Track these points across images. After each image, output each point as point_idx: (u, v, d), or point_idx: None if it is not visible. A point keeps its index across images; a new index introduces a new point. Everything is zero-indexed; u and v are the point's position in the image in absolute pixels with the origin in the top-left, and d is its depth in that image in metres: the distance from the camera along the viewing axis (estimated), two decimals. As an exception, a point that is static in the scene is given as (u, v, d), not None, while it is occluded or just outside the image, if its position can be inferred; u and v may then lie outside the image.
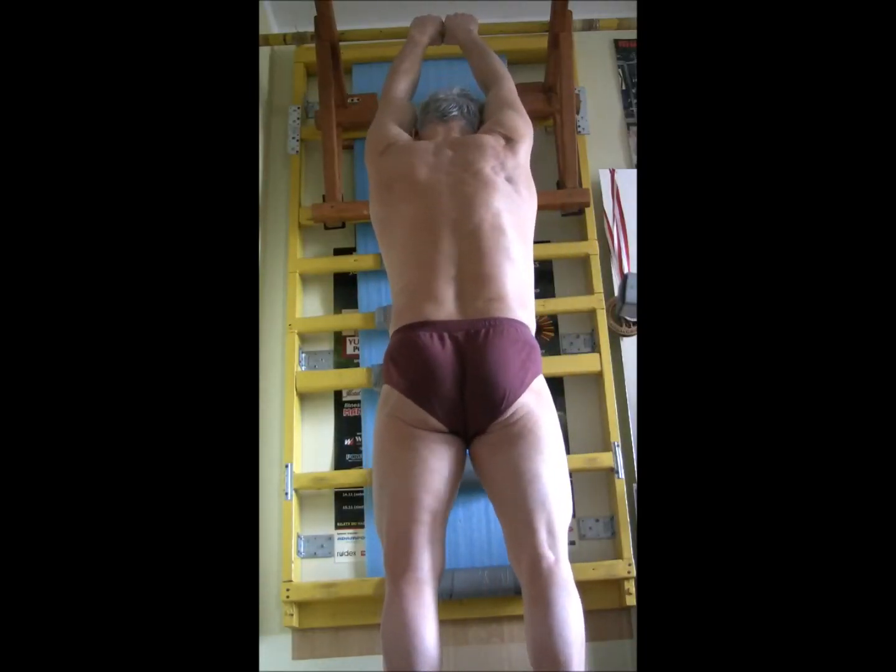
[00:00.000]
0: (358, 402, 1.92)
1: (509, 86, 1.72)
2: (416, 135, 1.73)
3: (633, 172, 2.04)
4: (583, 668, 1.16)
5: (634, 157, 2.13)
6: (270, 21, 2.30)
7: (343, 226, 2.05)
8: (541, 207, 1.91)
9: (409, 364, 1.33)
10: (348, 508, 1.83)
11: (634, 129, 2.18)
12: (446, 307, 1.36)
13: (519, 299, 1.38)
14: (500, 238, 1.41)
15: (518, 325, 1.36)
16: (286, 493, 1.77)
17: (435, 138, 1.62)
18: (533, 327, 1.41)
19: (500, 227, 1.42)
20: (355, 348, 1.97)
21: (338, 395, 1.94)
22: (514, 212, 1.47)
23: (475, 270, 1.38)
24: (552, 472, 1.29)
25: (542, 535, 1.23)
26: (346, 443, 1.89)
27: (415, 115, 1.76)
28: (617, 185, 2.04)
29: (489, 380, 1.29)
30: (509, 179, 1.51)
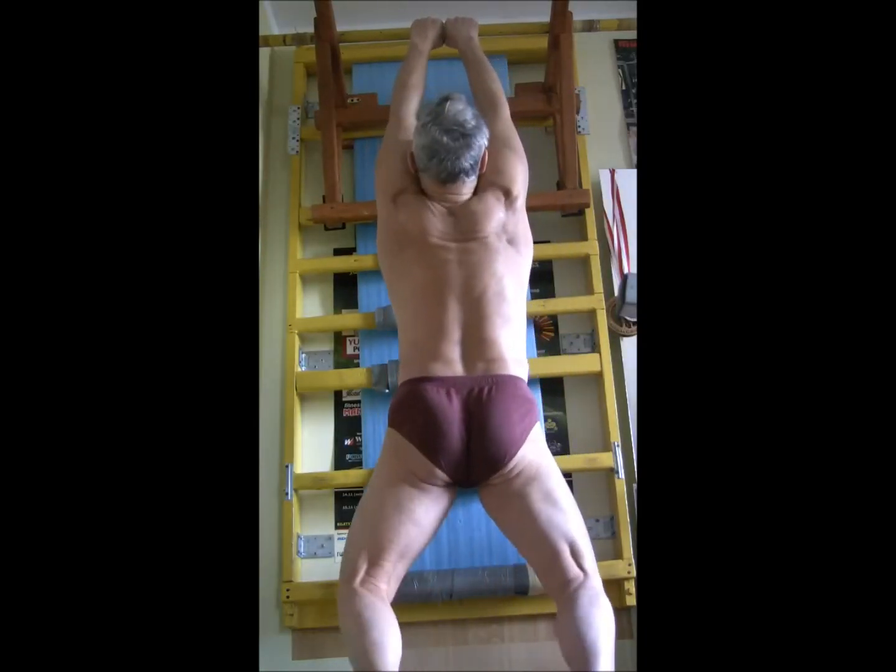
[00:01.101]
0: (358, 402, 1.92)
1: (505, 115, 1.71)
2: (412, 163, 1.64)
3: (633, 172, 2.04)
4: (610, 661, 1.24)
5: (634, 157, 2.13)
6: (270, 21, 2.30)
7: (343, 226, 2.05)
8: (541, 208, 1.93)
9: (417, 417, 1.41)
10: (348, 508, 1.82)
11: (634, 129, 2.18)
12: (452, 366, 1.45)
13: (516, 358, 1.48)
14: (501, 304, 1.49)
15: (517, 381, 1.46)
16: (286, 493, 1.77)
17: (442, 196, 1.59)
18: (527, 379, 1.51)
19: (502, 294, 1.50)
20: (355, 348, 1.97)
21: (338, 395, 1.94)
22: (514, 273, 1.54)
23: (478, 335, 1.47)
24: (562, 508, 1.40)
25: (569, 561, 1.35)
26: (346, 443, 1.89)
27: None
28: (617, 185, 2.04)
29: (493, 436, 1.39)
30: (511, 241, 1.56)
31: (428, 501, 1.41)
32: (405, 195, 1.59)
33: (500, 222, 1.55)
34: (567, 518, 1.39)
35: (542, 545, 1.37)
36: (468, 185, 1.59)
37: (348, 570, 1.38)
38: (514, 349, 1.48)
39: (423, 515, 1.40)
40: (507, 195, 1.58)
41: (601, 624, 1.27)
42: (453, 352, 1.46)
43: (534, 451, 1.43)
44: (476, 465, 1.40)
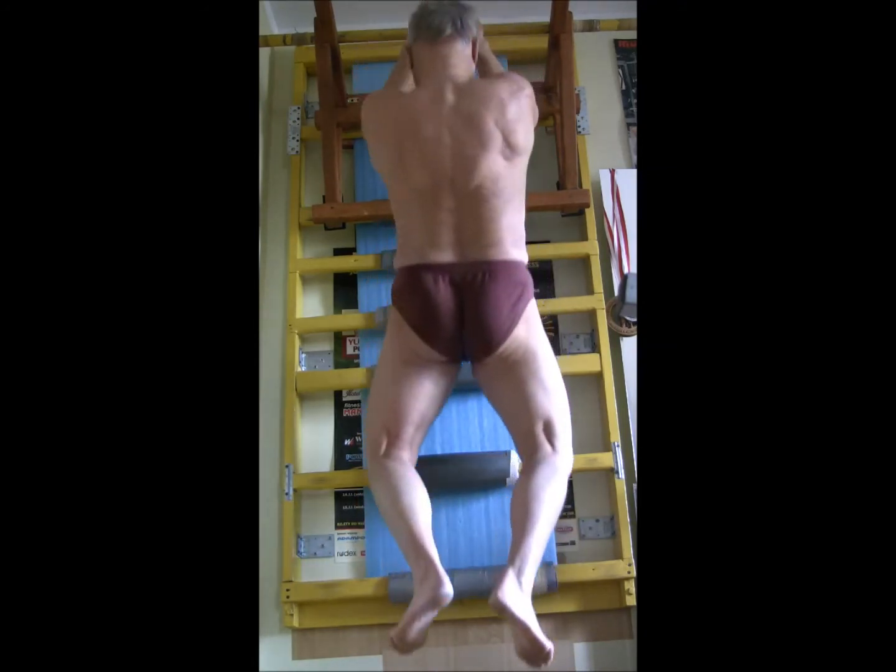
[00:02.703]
0: (358, 402, 1.92)
1: None
2: (410, 52, 1.69)
3: (633, 172, 2.04)
4: (546, 530, 1.34)
5: (634, 157, 2.13)
6: (270, 22, 2.30)
7: (343, 226, 2.05)
8: (541, 208, 1.93)
9: (414, 303, 1.49)
10: (348, 508, 1.83)
11: (634, 129, 2.18)
12: (448, 252, 1.50)
13: (513, 240, 1.53)
14: (496, 199, 1.51)
15: (512, 265, 1.51)
16: (286, 494, 1.77)
17: (432, 70, 1.60)
18: (525, 260, 1.55)
19: (497, 191, 1.51)
20: (355, 348, 1.97)
21: (338, 395, 1.94)
22: (510, 171, 1.53)
23: (473, 221, 1.50)
24: (546, 387, 1.48)
25: (542, 436, 1.44)
26: (346, 443, 1.89)
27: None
28: (617, 185, 2.04)
29: (485, 324, 1.46)
30: (510, 132, 1.53)
31: (436, 374, 1.51)
32: (395, 102, 1.61)
33: (501, 109, 1.54)
34: (549, 397, 1.47)
35: (520, 418, 1.47)
36: (459, 50, 1.61)
37: (371, 446, 1.48)
38: (510, 231, 1.52)
39: (432, 388, 1.50)
40: (512, 83, 1.59)
41: (549, 500, 1.35)
42: (449, 238, 1.50)
43: (525, 332, 1.49)
44: (469, 348, 1.50)
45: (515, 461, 1.70)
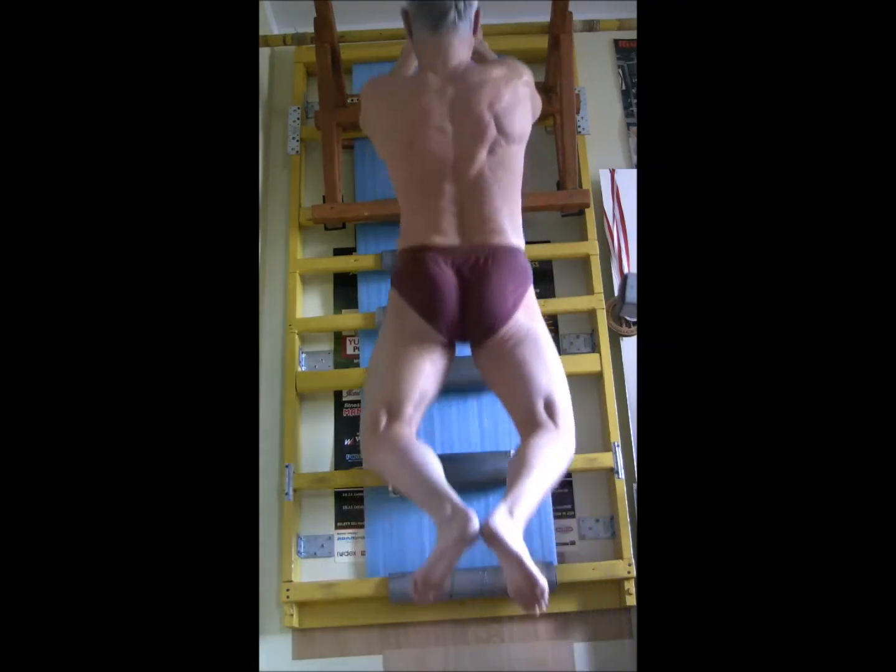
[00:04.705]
0: (358, 402, 1.92)
1: None
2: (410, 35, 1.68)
3: (633, 172, 2.04)
4: (543, 481, 1.32)
5: (634, 157, 2.13)
6: (270, 22, 2.30)
7: (343, 226, 2.05)
8: (541, 208, 1.93)
9: (418, 285, 1.49)
10: (348, 508, 1.83)
11: (634, 129, 2.18)
12: (451, 236, 1.51)
13: (514, 227, 1.54)
14: (496, 186, 1.52)
15: (513, 251, 1.52)
16: (286, 493, 1.77)
17: (435, 56, 1.60)
18: (523, 247, 1.57)
19: (497, 178, 1.52)
20: (355, 348, 1.97)
21: (338, 395, 1.94)
22: (508, 158, 1.54)
23: (476, 211, 1.51)
24: (547, 368, 1.47)
25: (543, 414, 1.42)
26: (346, 443, 1.89)
27: None
28: (617, 185, 2.04)
29: (487, 307, 1.47)
30: (504, 119, 1.54)
31: (434, 357, 1.50)
32: (396, 90, 1.62)
33: (498, 93, 1.54)
34: (550, 377, 1.46)
35: (521, 398, 1.45)
36: (461, 35, 1.59)
37: (370, 422, 1.44)
38: (510, 218, 1.53)
39: (431, 367, 1.49)
40: (509, 69, 1.59)
41: (548, 458, 1.35)
42: (451, 223, 1.51)
43: (525, 316, 1.50)
44: (471, 331, 1.50)
45: None
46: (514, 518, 1.23)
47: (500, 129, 1.52)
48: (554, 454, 1.37)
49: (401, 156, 1.55)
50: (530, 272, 1.55)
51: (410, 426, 1.45)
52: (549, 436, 1.39)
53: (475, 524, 1.21)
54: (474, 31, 1.63)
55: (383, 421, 1.43)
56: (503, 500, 1.26)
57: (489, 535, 1.19)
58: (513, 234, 1.53)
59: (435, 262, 1.49)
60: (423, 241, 1.52)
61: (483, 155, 1.51)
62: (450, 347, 1.54)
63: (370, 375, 1.54)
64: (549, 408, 1.43)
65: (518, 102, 1.56)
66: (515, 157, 1.56)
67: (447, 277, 1.48)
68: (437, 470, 1.35)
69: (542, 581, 1.20)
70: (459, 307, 1.49)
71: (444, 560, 1.23)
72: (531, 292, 1.54)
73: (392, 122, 1.57)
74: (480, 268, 1.48)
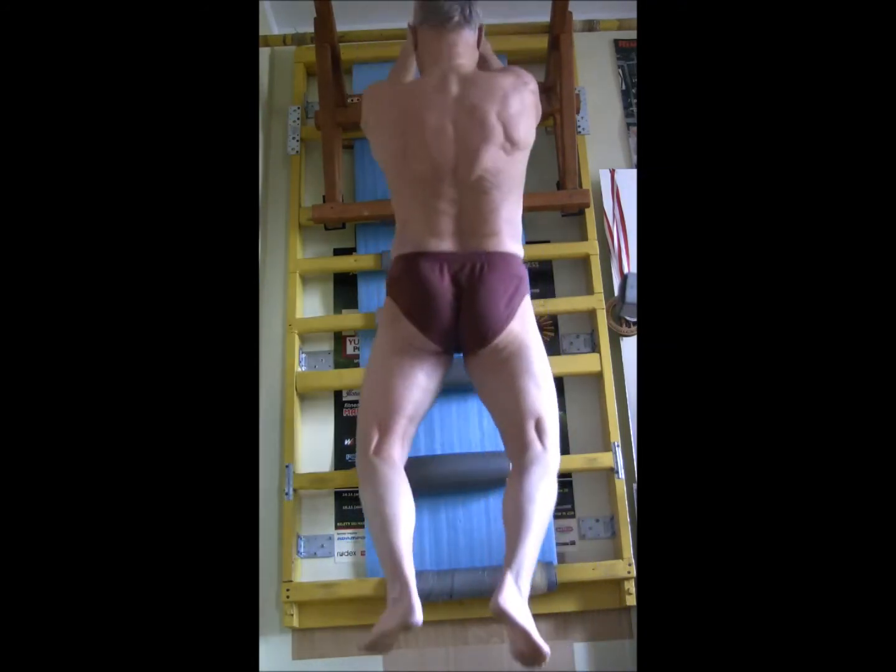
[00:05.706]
0: (358, 402, 1.91)
1: None
2: (414, 34, 1.66)
3: (633, 172, 2.04)
4: (541, 531, 1.33)
5: (634, 157, 2.13)
6: (270, 22, 2.30)
7: (343, 226, 2.05)
8: (541, 208, 1.93)
9: (411, 292, 1.48)
10: (348, 508, 1.83)
11: (634, 129, 2.18)
12: (446, 241, 1.50)
13: (511, 234, 1.53)
14: (496, 192, 1.51)
15: (509, 258, 1.51)
16: (286, 493, 1.77)
17: (438, 58, 1.60)
18: (522, 254, 1.56)
19: (498, 183, 1.51)
20: (355, 348, 1.97)
21: (338, 395, 1.94)
22: (511, 164, 1.53)
23: (474, 216, 1.50)
24: (538, 384, 1.46)
25: (532, 434, 1.43)
26: (346, 443, 1.89)
27: None
28: (617, 185, 2.04)
29: (482, 315, 1.45)
30: (511, 125, 1.53)
31: (428, 367, 1.49)
32: (398, 93, 1.61)
33: (504, 102, 1.53)
34: (540, 395, 1.45)
35: (511, 414, 1.45)
36: (465, 38, 1.59)
37: (363, 440, 1.46)
38: (509, 224, 1.52)
39: (425, 380, 1.48)
40: (516, 77, 1.59)
41: (542, 501, 1.35)
42: (448, 227, 1.50)
43: (520, 326, 1.49)
44: (464, 339, 1.49)
45: None
46: (521, 591, 1.25)
47: (507, 136, 1.52)
48: (547, 491, 1.38)
49: (402, 155, 1.54)
50: (527, 280, 1.54)
51: (403, 443, 1.45)
52: (540, 465, 1.39)
53: (417, 618, 1.23)
54: (478, 45, 1.62)
55: (374, 440, 1.44)
56: (508, 569, 1.27)
57: (499, 613, 1.21)
58: (511, 241, 1.52)
59: (430, 269, 1.47)
60: (419, 247, 1.50)
61: (486, 159, 1.49)
62: (444, 356, 1.53)
63: (365, 385, 1.53)
64: (539, 427, 1.43)
65: (525, 110, 1.56)
66: (519, 164, 1.55)
67: (442, 286, 1.46)
68: (405, 531, 1.34)
69: (546, 649, 1.21)
70: (454, 315, 1.47)
71: (388, 638, 1.26)
72: (527, 301, 1.53)
73: (394, 121, 1.56)
74: (476, 275, 1.47)
